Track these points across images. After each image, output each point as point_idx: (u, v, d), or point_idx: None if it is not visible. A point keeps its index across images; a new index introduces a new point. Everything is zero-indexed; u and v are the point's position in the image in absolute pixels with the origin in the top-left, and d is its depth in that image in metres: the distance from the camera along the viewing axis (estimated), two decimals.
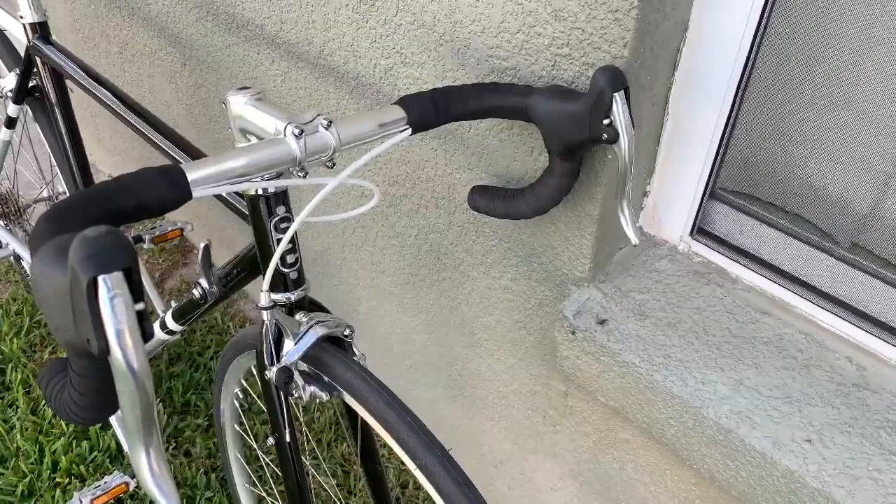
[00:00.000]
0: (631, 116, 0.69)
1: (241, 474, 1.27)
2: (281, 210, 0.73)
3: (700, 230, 0.94)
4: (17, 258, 1.71)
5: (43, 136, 1.34)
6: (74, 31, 1.95)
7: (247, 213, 0.76)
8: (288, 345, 0.76)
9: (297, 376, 0.76)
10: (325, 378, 0.76)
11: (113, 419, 1.49)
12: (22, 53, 1.29)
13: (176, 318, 1.02)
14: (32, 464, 1.50)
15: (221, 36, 1.33)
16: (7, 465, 1.50)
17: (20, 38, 1.24)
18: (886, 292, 0.81)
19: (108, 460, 1.52)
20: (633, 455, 1.00)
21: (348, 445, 1.58)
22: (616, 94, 0.68)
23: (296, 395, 0.76)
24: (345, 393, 0.74)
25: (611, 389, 0.90)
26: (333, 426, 1.61)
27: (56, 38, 1.23)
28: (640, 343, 0.86)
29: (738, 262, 0.91)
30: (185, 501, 1.47)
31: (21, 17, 1.20)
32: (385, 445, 1.54)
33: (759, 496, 0.78)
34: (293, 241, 0.76)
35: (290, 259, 0.76)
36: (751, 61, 0.79)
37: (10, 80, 1.32)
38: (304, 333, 0.75)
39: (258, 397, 1.38)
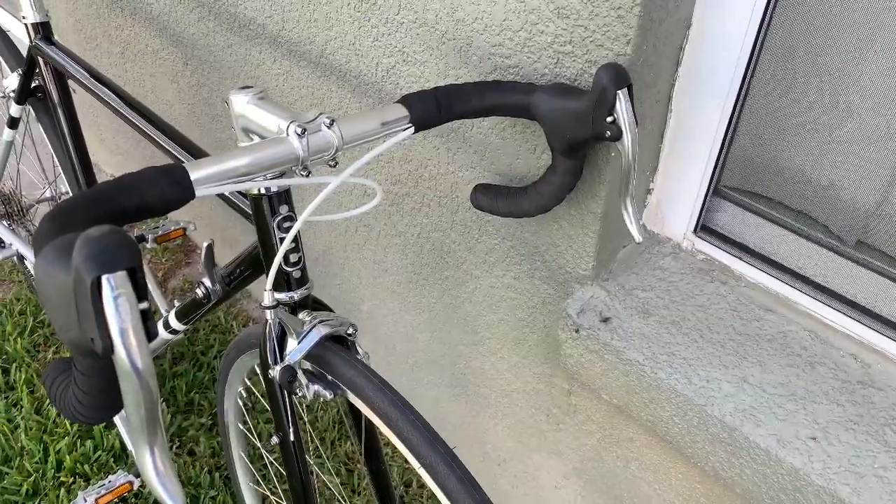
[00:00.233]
0: (634, 114, 0.69)
1: (245, 473, 1.27)
2: (284, 209, 0.73)
3: (704, 227, 0.93)
4: (21, 258, 1.71)
5: (45, 136, 1.34)
6: (76, 32, 1.95)
7: (250, 212, 0.76)
8: (291, 343, 0.75)
9: (300, 375, 0.76)
10: (329, 377, 0.76)
11: (117, 418, 1.50)
12: (24, 54, 1.29)
13: (179, 317, 1.02)
14: (37, 463, 1.50)
15: (223, 35, 1.33)
16: (12, 465, 1.50)
17: (22, 39, 1.24)
18: (892, 290, 0.80)
19: (112, 459, 1.52)
20: (637, 453, 1.00)
21: (352, 444, 1.58)
22: (619, 92, 0.67)
23: (299, 394, 0.76)
24: (348, 391, 0.74)
25: (615, 387, 0.89)
26: (337, 425, 1.61)
27: (58, 39, 1.23)
28: (644, 341, 0.86)
29: (741, 259, 0.91)
30: (189, 500, 1.47)
31: (23, 18, 1.20)
32: (388, 444, 1.55)
33: (764, 494, 0.78)
34: (296, 240, 0.76)
35: (293, 258, 0.76)
36: (754, 58, 0.78)
37: (12, 81, 1.32)
38: (308, 332, 0.75)
39: (262, 396, 1.38)
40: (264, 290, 0.74)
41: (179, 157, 0.94)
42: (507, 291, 1.05)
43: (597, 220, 0.85)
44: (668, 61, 0.80)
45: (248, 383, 1.09)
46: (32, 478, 1.47)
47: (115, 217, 0.50)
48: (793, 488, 0.75)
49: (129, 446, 1.45)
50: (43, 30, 1.21)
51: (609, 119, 0.69)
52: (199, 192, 0.56)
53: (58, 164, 1.35)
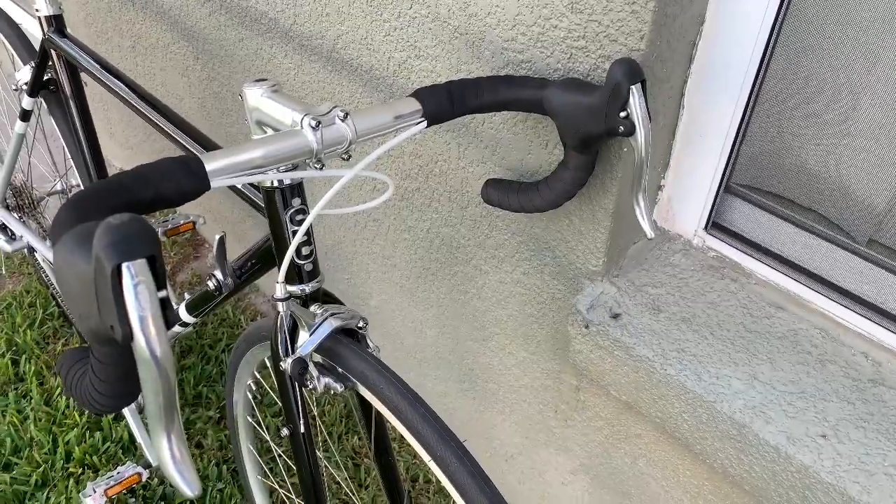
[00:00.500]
0: (648, 109, 0.69)
1: (254, 466, 1.27)
2: (296, 202, 0.73)
3: (714, 224, 0.93)
4: (31, 250, 1.72)
5: (57, 129, 1.34)
6: (87, 26, 1.96)
7: (262, 204, 0.76)
8: (303, 336, 0.76)
9: (311, 367, 0.76)
10: (340, 369, 0.76)
11: (126, 410, 1.50)
12: (36, 47, 1.30)
13: (189, 309, 1.03)
14: (46, 454, 1.51)
15: (235, 29, 1.34)
16: (21, 455, 1.51)
17: (35, 34, 1.25)
18: None
19: (120, 451, 1.53)
20: (645, 450, 1.00)
21: (359, 438, 1.58)
22: (633, 87, 0.67)
23: (310, 387, 0.76)
24: (359, 384, 0.75)
25: (624, 384, 0.90)
26: (344, 419, 1.62)
27: (70, 32, 1.24)
28: (654, 337, 0.86)
29: (752, 256, 0.91)
30: None
31: (37, 11, 1.21)
32: (395, 438, 1.55)
33: (773, 491, 0.78)
34: (308, 233, 0.76)
35: (305, 251, 0.76)
36: (768, 54, 0.78)
37: (25, 73, 1.33)
38: (319, 325, 0.75)
39: (270, 389, 1.39)
40: (276, 283, 0.75)
41: (192, 149, 0.95)
42: (516, 287, 1.05)
43: (608, 215, 0.85)
44: (681, 57, 0.80)
45: (258, 376, 1.09)
46: (42, 468, 1.48)
47: (132, 207, 0.51)
48: (802, 486, 0.75)
49: (138, 438, 1.45)
50: (56, 22, 1.21)
51: (622, 114, 0.69)
52: (214, 183, 0.57)
53: (69, 156, 1.35)
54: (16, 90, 1.36)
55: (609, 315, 0.89)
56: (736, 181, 0.90)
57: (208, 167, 0.56)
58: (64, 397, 1.63)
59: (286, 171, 0.67)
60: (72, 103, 1.27)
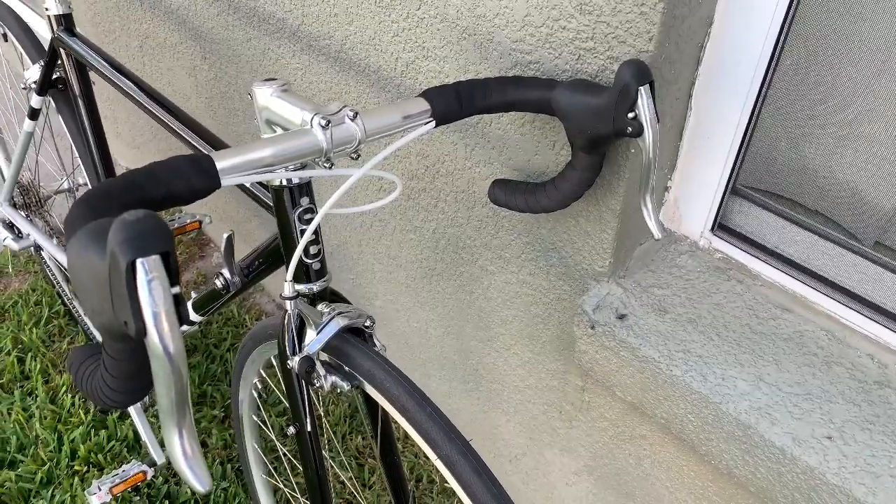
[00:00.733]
0: (656, 110, 0.69)
1: (258, 465, 1.28)
2: (305, 201, 0.73)
3: (721, 226, 0.93)
4: (38, 248, 1.73)
5: (65, 127, 1.35)
6: (94, 25, 1.97)
7: (270, 203, 0.76)
8: (310, 335, 0.76)
9: (318, 366, 0.76)
10: (347, 368, 0.76)
11: (131, 409, 1.51)
12: (45, 46, 1.30)
13: (196, 308, 1.03)
14: (51, 452, 1.52)
15: (242, 29, 1.34)
16: (26, 453, 1.52)
17: (44, 34, 1.25)
18: None
19: (125, 449, 1.54)
20: (650, 451, 1.00)
21: (363, 438, 1.59)
22: (641, 88, 0.68)
23: (317, 385, 0.77)
24: (366, 383, 0.75)
25: (629, 384, 0.90)
26: (348, 419, 1.62)
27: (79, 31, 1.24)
28: (660, 338, 0.86)
29: (758, 258, 0.91)
30: None
31: (46, 10, 1.22)
32: (400, 438, 1.55)
33: (778, 492, 0.78)
34: (316, 232, 0.76)
35: (313, 250, 0.76)
36: (776, 56, 0.78)
37: (34, 72, 1.33)
38: (327, 324, 0.75)
39: (276, 388, 1.39)
40: (285, 281, 0.75)
41: (200, 148, 0.95)
42: (522, 287, 1.05)
43: (615, 216, 0.85)
44: (689, 58, 0.80)
45: (264, 374, 1.10)
46: (47, 466, 1.48)
47: (144, 204, 0.51)
48: (808, 487, 0.75)
49: (143, 436, 1.46)
50: (65, 21, 1.22)
51: (630, 115, 0.69)
52: (224, 181, 0.57)
53: (76, 155, 1.36)
54: (24, 89, 1.37)
55: (615, 316, 0.89)
56: (742, 183, 0.90)
57: (219, 165, 0.56)
58: (69, 395, 1.64)
59: (295, 170, 0.68)
60: (80, 102, 1.28)
